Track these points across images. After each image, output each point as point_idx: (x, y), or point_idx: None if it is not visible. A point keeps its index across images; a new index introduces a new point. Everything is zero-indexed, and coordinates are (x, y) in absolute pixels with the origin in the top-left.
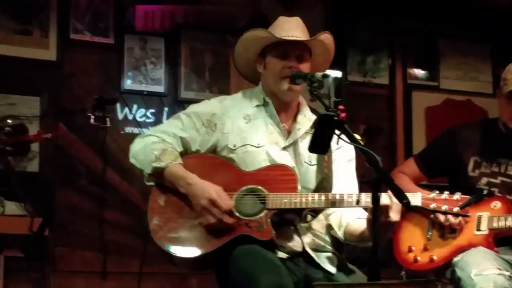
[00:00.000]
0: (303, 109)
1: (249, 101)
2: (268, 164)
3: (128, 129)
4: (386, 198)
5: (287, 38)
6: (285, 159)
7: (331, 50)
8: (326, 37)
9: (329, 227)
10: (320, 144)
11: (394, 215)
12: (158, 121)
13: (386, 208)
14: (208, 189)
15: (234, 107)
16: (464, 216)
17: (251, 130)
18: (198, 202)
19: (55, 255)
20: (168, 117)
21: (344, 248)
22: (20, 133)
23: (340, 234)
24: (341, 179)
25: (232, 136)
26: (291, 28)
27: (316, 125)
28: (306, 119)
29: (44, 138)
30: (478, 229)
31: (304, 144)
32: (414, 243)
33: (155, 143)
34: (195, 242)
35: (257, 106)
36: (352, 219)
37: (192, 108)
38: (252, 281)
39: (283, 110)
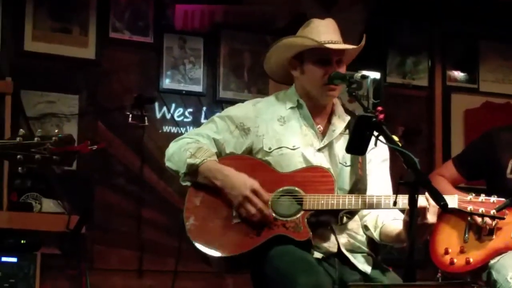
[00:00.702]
0: (337, 110)
1: (283, 103)
2: (304, 165)
3: (166, 128)
4: (423, 200)
5: (334, 46)
6: (320, 160)
7: (359, 51)
8: (362, 43)
9: (365, 228)
10: (358, 145)
11: (431, 217)
12: (196, 120)
13: (423, 210)
14: (248, 180)
15: (268, 110)
16: (501, 218)
17: (286, 132)
18: (239, 192)
19: (92, 253)
20: (206, 117)
21: (380, 249)
22: (66, 143)
23: (376, 235)
24: (375, 179)
25: (267, 139)
26: (328, 32)
27: (354, 126)
28: (341, 120)
29: (90, 149)
30: None
31: (339, 145)
32: (450, 245)
33: (189, 144)
34: (231, 242)
35: (291, 108)
36: (388, 220)
37: (226, 111)
38: (290, 281)
39: (317, 111)
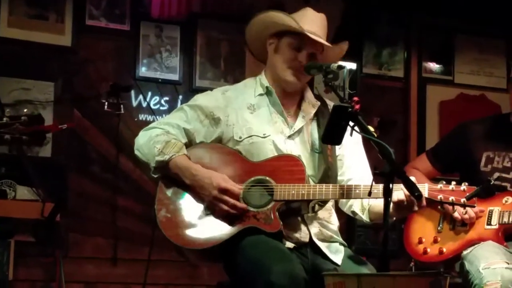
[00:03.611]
0: (307, 95)
1: (252, 90)
2: (275, 154)
3: (142, 117)
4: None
5: (312, 36)
6: (291, 148)
7: (339, 58)
8: (344, 48)
9: (352, 214)
10: (334, 135)
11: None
12: (172, 109)
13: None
14: (215, 179)
15: (237, 98)
16: (471, 206)
17: (255, 121)
18: (208, 193)
19: (67, 241)
20: None
21: (355, 239)
22: (36, 123)
23: (364, 217)
24: (351, 161)
25: (237, 128)
26: (318, 25)
27: (330, 116)
28: (310, 106)
29: (60, 128)
30: (489, 223)
31: (309, 131)
32: (424, 235)
33: (158, 136)
34: (203, 234)
35: (260, 95)
36: (373, 199)
37: (195, 100)
38: (264, 270)
39: (287, 97)
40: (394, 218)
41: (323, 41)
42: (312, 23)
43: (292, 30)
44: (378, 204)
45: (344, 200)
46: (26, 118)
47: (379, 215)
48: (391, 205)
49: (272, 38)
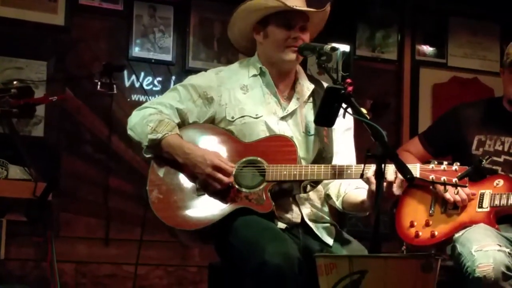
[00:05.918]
0: (301, 78)
1: (246, 71)
2: (267, 134)
3: (135, 97)
4: (390, 173)
5: (297, 8)
6: (284, 129)
7: (325, 21)
8: (327, 10)
9: (327, 197)
10: (326, 117)
11: (397, 190)
12: (165, 89)
13: (389, 184)
14: (208, 156)
15: (231, 78)
16: (462, 186)
17: (248, 101)
18: (202, 171)
19: (59, 221)
20: None
21: (346, 221)
22: (26, 95)
23: (338, 204)
24: (338, 147)
25: (230, 108)
26: None
27: (323, 98)
28: (304, 88)
29: (50, 100)
30: (480, 206)
31: (302, 114)
32: (416, 218)
33: (152, 115)
34: (195, 215)
35: (254, 76)
36: (350, 189)
37: (189, 80)
38: (258, 250)
39: (281, 79)
40: (368, 213)
41: (310, 9)
42: None
43: (275, 11)
44: (353, 194)
45: (325, 181)
46: (15, 91)
47: (351, 206)
48: (367, 195)
49: (257, 27)
